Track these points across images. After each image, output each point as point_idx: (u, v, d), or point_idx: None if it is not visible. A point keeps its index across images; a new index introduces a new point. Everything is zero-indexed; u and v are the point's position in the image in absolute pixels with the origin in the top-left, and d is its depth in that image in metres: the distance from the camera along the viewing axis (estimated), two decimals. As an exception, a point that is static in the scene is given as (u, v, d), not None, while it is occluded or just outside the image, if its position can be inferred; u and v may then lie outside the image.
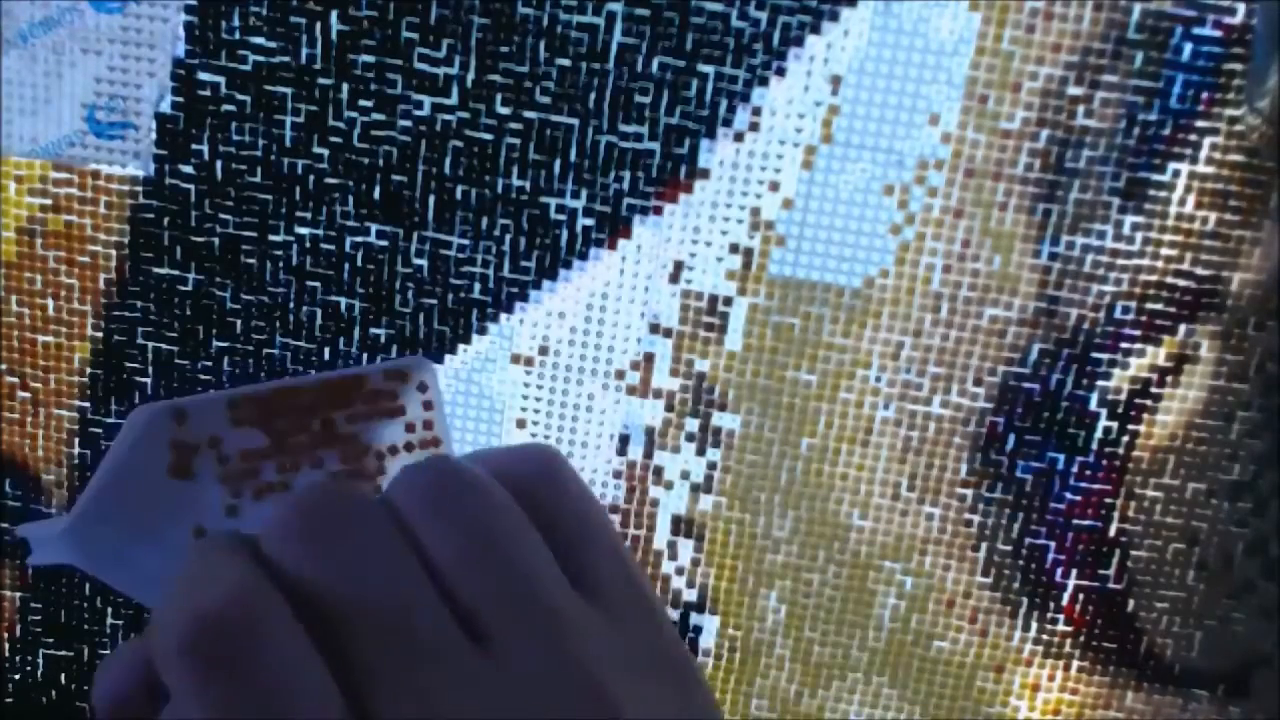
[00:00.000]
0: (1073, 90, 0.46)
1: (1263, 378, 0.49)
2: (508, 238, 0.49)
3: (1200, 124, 0.46)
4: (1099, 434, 0.50)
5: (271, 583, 0.22)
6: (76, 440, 0.53)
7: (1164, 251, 0.48)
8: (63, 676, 0.56)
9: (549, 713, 0.21)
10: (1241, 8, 0.45)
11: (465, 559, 0.22)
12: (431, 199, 0.49)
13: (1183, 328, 0.49)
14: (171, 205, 0.50)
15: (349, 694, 0.21)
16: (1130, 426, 0.50)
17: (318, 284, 0.50)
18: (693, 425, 0.51)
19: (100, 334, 0.51)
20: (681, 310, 0.50)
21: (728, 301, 0.49)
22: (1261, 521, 0.50)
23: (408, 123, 0.48)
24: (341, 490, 0.24)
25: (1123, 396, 0.49)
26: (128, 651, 0.24)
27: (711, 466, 0.51)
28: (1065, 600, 0.52)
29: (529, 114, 0.48)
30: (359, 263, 0.50)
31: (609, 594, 0.24)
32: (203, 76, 0.48)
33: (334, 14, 0.47)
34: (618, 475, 0.52)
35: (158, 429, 0.33)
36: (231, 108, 0.48)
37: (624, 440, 0.51)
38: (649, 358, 0.50)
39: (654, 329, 0.50)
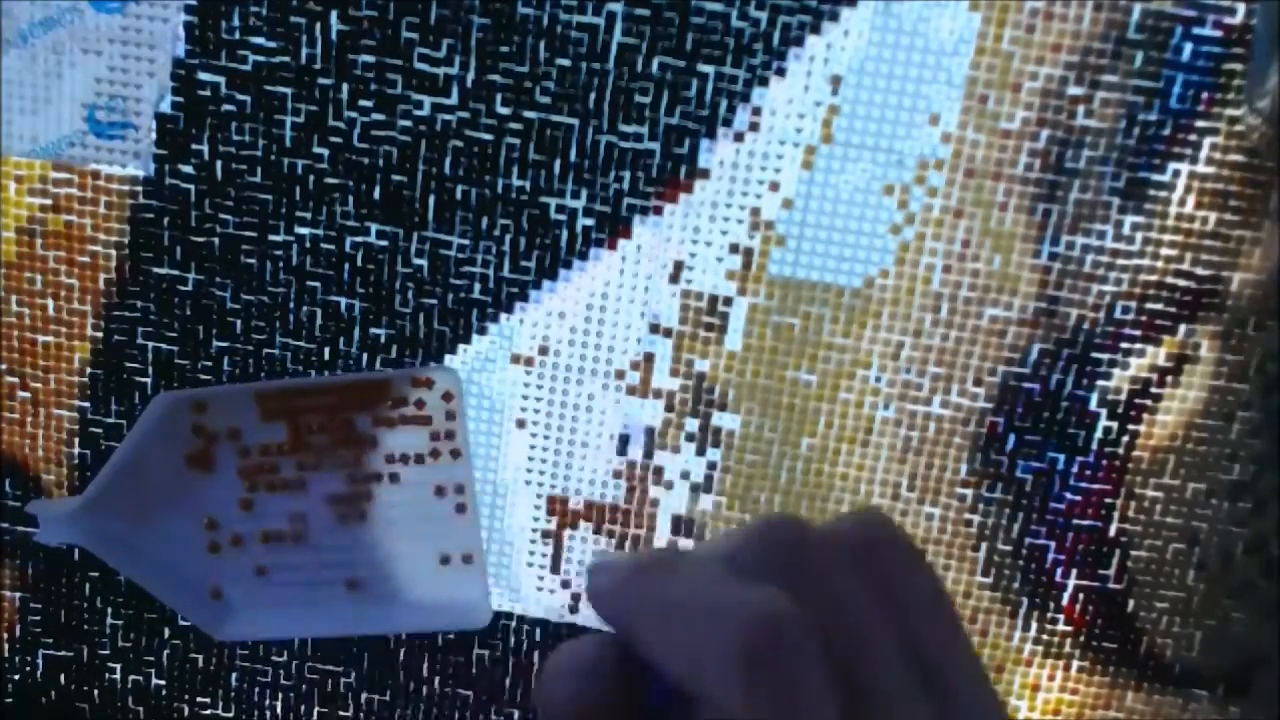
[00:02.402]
0: (1073, 90, 0.46)
1: (1263, 378, 0.49)
2: (508, 238, 0.49)
3: (1200, 124, 0.46)
4: (1099, 434, 0.50)
5: (794, 611, 0.22)
6: (76, 440, 0.53)
7: (1164, 251, 0.48)
8: (63, 676, 0.56)
9: None
10: (1241, 8, 0.45)
11: (919, 612, 0.24)
12: (431, 199, 0.49)
13: (1183, 328, 0.49)
14: (171, 205, 0.50)
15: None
16: (1130, 426, 0.50)
17: (318, 284, 0.50)
18: (693, 425, 0.51)
19: (100, 334, 0.51)
20: (681, 310, 0.50)
21: (728, 301, 0.49)
22: (1261, 521, 0.50)
23: (408, 123, 0.48)
24: (800, 522, 0.25)
25: (1123, 396, 0.49)
26: (592, 648, 0.24)
27: (711, 466, 0.51)
28: (1065, 600, 0.52)
29: (529, 114, 0.48)
30: (359, 263, 0.50)
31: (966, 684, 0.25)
32: (203, 76, 0.48)
33: (334, 14, 0.47)
34: (618, 475, 0.52)
35: (178, 418, 0.33)
36: (231, 108, 0.48)
37: (624, 440, 0.51)
38: (649, 358, 0.50)
39: (654, 329, 0.50)
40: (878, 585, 0.24)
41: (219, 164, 0.49)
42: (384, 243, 0.50)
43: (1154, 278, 0.48)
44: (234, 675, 0.55)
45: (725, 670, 0.21)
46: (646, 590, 0.23)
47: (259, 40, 0.48)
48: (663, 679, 0.22)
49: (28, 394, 0.52)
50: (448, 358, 0.51)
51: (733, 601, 0.22)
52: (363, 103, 0.48)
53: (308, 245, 0.50)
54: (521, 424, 0.51)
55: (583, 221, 0.49)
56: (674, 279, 0.49)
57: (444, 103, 0.48)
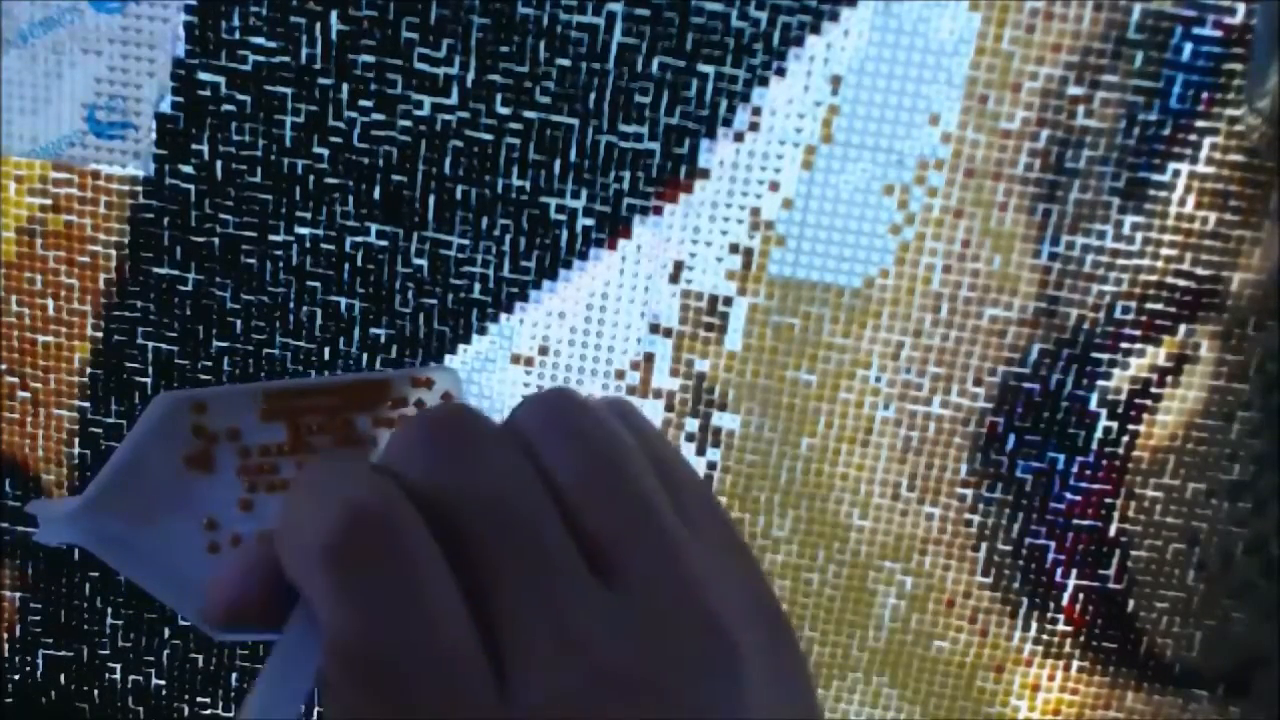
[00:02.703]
0: (1073, 90, 0.46)
1: (1263, 378, 0.49)
2: (508, 238, 0.49)
3: (1200, 124, 0.46)
4: (1099, 434, 0.50)
5: (400, 484, 0.22)
6: (76, 440, 0.53)
7: (1164, 251, 0.48)
8: (63, 676, 0.56)
9: (672, 648, 0.21)
10: (1241, 8, 0.45)
11: (591, 485, 0.22)
12: (431, 199, 0.49)
13: (1183, 328, 0.49)
14: (171, 205, 0.50)
15: (476, 602, 0.21)
16: (1130, 426, 0.50)
17: (318, 284, 0.50)
18: (693, 425, 0.51)
19: (100, 334, 0.51)
20: (681, 310, 0.50)
21: (728, 301, 0.49)
22: (1261, 521, 0.50)
23: (408, 123, 0.48)
24: (467, 409, 0.24)
25: (1123, 396, 0.49)
26: (245, 557, 0.24)
27: (711, 466, 0.51)
28: (1065, 600, 0.52)
29: (529, 114, 0.48)
30: (359, 263, 0.50)
31: (710, 533, 0.23)
32: (203, 76, 0.48)
33: (334, 14, 0.47)
34: (618, 475, 0.52)
35: (178, 417, 0.33)
36: (231, 108, 0.48)
37: (624, 440, 0.51)
38: (649, 358, 0.50)
39: (654, 329, 0.50)
40: (541, 460, 0.23)
41: (219, 164, 0.49)
42: (384, 243, 0.50)
43: (1154, 278, 0.48)
44: (234, 675, 0.55)
45: (315, 573, 0.20)
46: (296, 486, 0.23)
47: (259, 40, 0.48)
48: None
49: (28, 394, 0.52)
50: (448, 358, 0.51)
51: (335, 490, 0.21)
52: (363, 103, 0.48)
53: (308, 245, 0.50)
54: (521, 424, 0.51)
55: (583, 221, 0.49)
56: (674, 279, 0.49)
57: (444, 103, 0.48)
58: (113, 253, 0.50)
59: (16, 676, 0.56)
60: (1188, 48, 0.46)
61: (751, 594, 0.23)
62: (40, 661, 0.55)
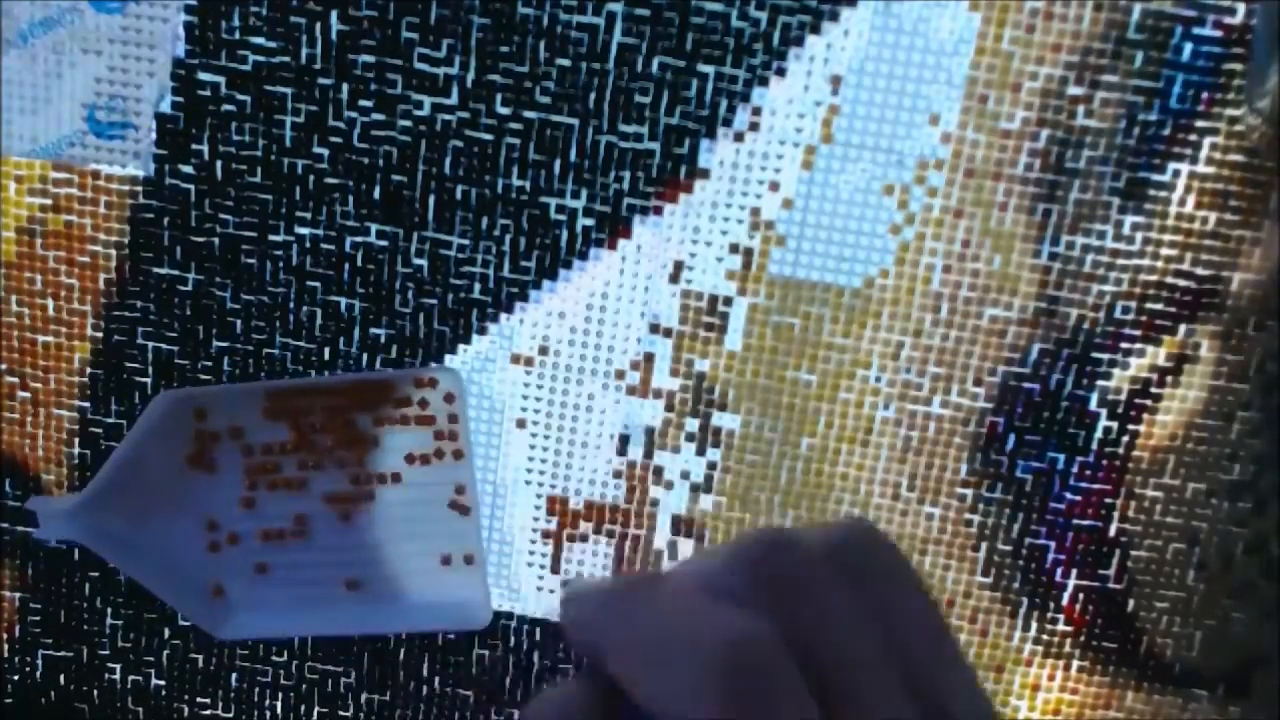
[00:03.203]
0: (1073, 90, 0.46)
1: (1263, 378, 0.49)
2: (508, 238, 0.49)
3: (1200, 124, 0.46)
4: (1099, 434, 0.50)
5: (771, 626, 0.22)
6: (76, 440, 0.53)
7: (1164, 251, 0.48)
8: (63, 677, 0.56)
9: None
10: (1241, 8, 0.45)
11: (912, 631, 0.24)
12: (431, 199, 0.49)
13: (1183, 328, 0.49)
14: (171, 205, 0.50)
15: None
16: (1130, 426, 0.50)
17: (318, 284, 0.50)
18: (693, 425, 0.51)
19: (100, 334, 0.51)
20: (681, 310, 0.50)
21: (728, 301, 0.50)
22: (1261, 521, 0.50)
23: (408, 123, 0.48)
24: (789, 540, 0.24)
25: (1123, 396, 0.49)
26: (578, 691, 0.24)
27: (711, 466, 0.51)
28: (1065, 600, 0.52)
29: (529, 114, 0.48)
30: (359, 263, 0.50)
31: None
32: (203, 76, 0.48)
33: (334, 14, 0.47)
34: (618, 475, 0.52)
35: (179, 416, 0.33)
36: (231, 108, 0.48)
37: (624, 440, 0.51)
38: (649, 358, 0.50)
39: (654, 329, 0.50)
40: (862, 594, 0.23)
41: (219, 164, 0.49)
42: (384, 243, 0.50)
43: (1154, 278, 0.48)
44: (234, 675, 0.55)
45: (698, 699, 0.21)
46: (618, 621, 0.23)
47: (259, 40, 0.48)
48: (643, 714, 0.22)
49: (28, 394, 0.52)
50: (448, 358, 0.51)
51: (704, 627, 0.22)
52: (363, 103, 0.48)
53: (308, 245, 0.50)
54: (521, 424, 0.51)
55: (583, 221, 0.49)
56: (674, 279, 0.49)
57: (444, 103, 0.48)
58: (113, 253, 0.50)
59: (16, 676, 0.56)
60: (1188, 48, 0.46)
61: None
62: (40, 661, 0.55)
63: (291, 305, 0.50)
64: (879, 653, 0.23)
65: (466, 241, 0.49)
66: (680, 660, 0.21)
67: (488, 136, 0.48)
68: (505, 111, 0.48)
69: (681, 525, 0.52)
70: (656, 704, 0.22)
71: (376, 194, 0.49)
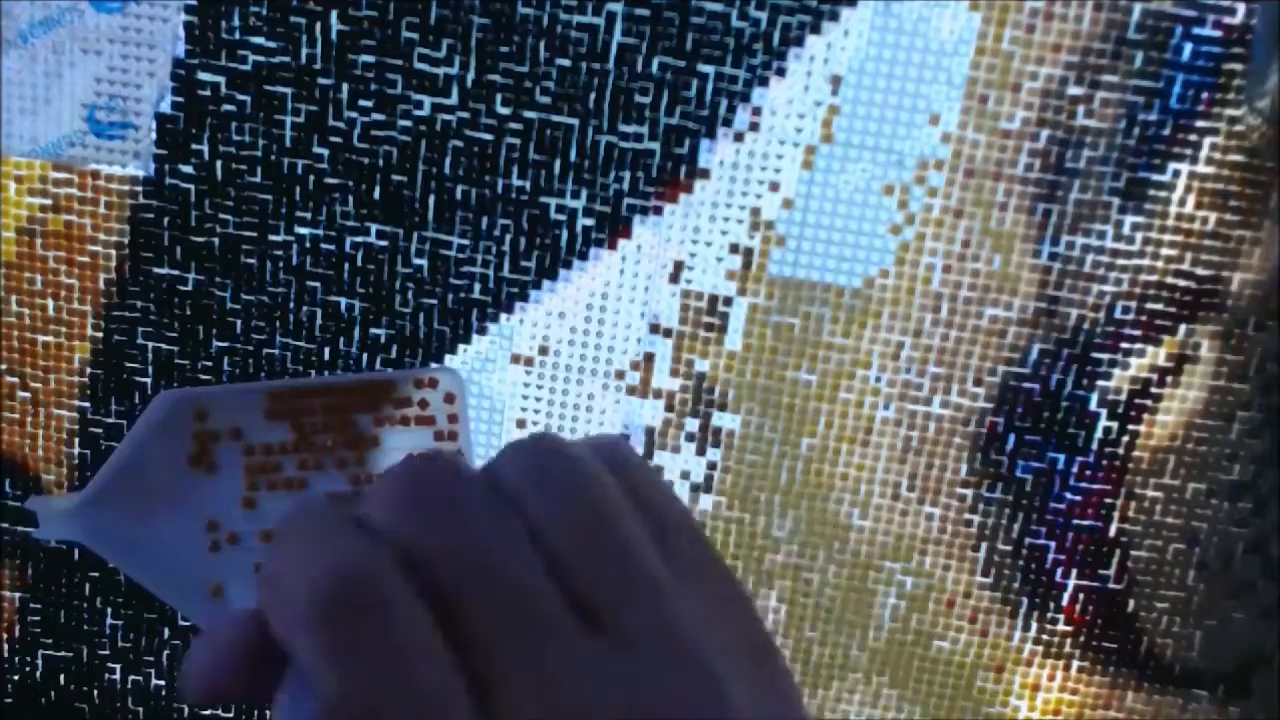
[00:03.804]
0: (1073, 90, 0.46)
1: (1263, 378, 0.49)
2: (508, 238, 0.49)
3: (1200, 124, 0.46)
4: (1099, 434, 0.50)
5: (385, 545, 0.22)
6: (76, 440, 0.53)
7: (1164, 251, 0.48)
8: (63, 676, 0.56)
9: (665, 699, 0.21)
10: (1241, 8, 0.45)
11: (575, 536, 0.22)
12: (431, 199, 0.49)
13: (1183, 328, 0.49)
14: (171, 205, 0.50)
15: (465, 664, 0.21)
16: (1130, 426, 0.50)
17: (318, 284, 0.50)
18: (693, 425, 0.51)
19: (100, 334, 0.51)
20: (681, 310, 0.50)
21: (728, 301, 0.50)
22: (1261, 521, 0.50)
23: (408, 123, 0.48)
24: (446, 462, 0.24)
25: (1123, 396, 0.49)
26: (228, 627, 0.24)
27: (711, 466, 0.51)
28: (1065, 600, 0.52)
29: (529, 114, 0.48)
30: (359, 263, 0.50)
31: (700, 578, 0.24)
32: (203, 76, 0.48)
33: (334, 14, 0.47)
34: (618, 475, 0.52)
35: (180, 416, 0.33)
36: (231, 108, 0.48)
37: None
38: (649, 358, 0.50)
39: (654, 329, 0.50)
40: (523, 510, 0.23)
41: (219, 164, 0.49)
42: (384, 243, 0.50)
43: (1154, 278, 0.48)
44: (234, 675, 0.55)
45: (303, 636, 0.21)
46: (277, 546, 0.23)
47: (259, 40, 0.48)
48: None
49: (28, 394, 0.52)
50: (448, 358, 0.51)
51: (317, 556, 0.22)
52: (363, 103, 0.48)
53: (308, 245, 0.50)
54: (521, 424, 0.51)
55: (583, 221, 0.49)
56: (674, 279, 0.49)
57: (444, 103, 0.48)
58: (113, 253, 0.50)
59: (16, 676, 0.56)
60: (1188, 48, 0.46)
61: (736, 631, 0.23)
62: (40, 661, 0.55)
63: (291, 305, 0.50)
64: (516, 558, 0.22)
65: (466, 241, 0.49)
66: (286, 593, 0.21)
67: (488, 136, 0.48)
68: (505, 111, 0.48)
69: (681, 525, 0.52)
70: (279, 635, 0.21)
71: (376, 194, 0.49)
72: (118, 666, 0.55)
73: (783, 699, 0.23)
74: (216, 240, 0.50)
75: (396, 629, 0.20)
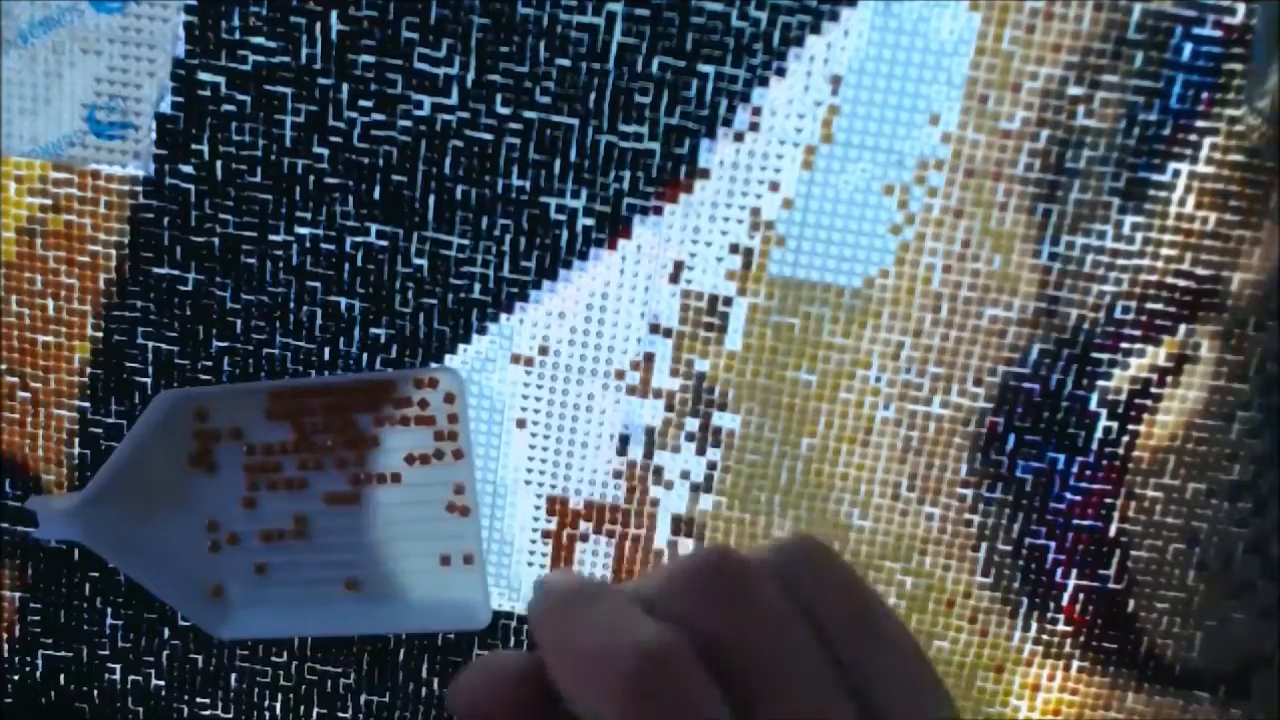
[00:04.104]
0: (1073, 90, 0.46)
1: (1263, 378, 0.49)
2: (508, 238, 0.49)
3: (1200, 124, 0.46)
4: (1099, 434, 0.50)
5: (687, 638, 0.23)
6: (76, 440, 0.53)
7: (1164, 251, 0.48)
8: (63, 676, 0.56)
9: None
10: (1241, 8, 0.45)
11: (860, 637, 0.24)
12: (431, 199, 0.49)
13: (1183, 328, 0.49)
14: (171, 205, 0.50)
15: None
16: (1130, 426, 0.50)
17: (318, 284, 0.50)
18: (693, 425, 0.51)
19: (100, 334, 0.51)
20: (681, 310, 0.50)
21: (728, 301, 0.50)
22: (1261, 521, 0.50)
23: (408, 123, 0.48)
24: (739, 557, 0.26)
25: (1123, 396, 0.49)
26: (513, 659, 0.25)
27: (711, 466, 0.51)
28: (1065, 600, 0.52)
29: (529, 114, 0.48)
30: (359, 263, 0.50)
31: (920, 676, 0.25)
32: (203, 76, 0.48)
33: (334, 14, 0.47)
34: (618, 475, 0.52)
35: (180, 416, 0.33)
36: (231, 108, 0.48)
37: (624, 440, 0.51)
38: (649, 358, 0.50)
39: (654, 329, 0.50)
40: (803, 603, 0.24)
41: (219, 164, 0.49)
42: (384, 243, 0.50)
43: (1154, 278, 0.48)
44: (234, 675, 0.55)
45: (609, 707, 0.22)
46: (564, 620, 0.24)
47: (259, 40, 0.48)
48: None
49: (28, 394, 0.52)
50: (448, 358, 0.51)
51: (623, 637, 0.23)
52: (363, 103, 0.48)
53: (308, 245, 0.50)
54: (521, 424, 0.51)
55: (583, 221, 0.49)
56: (674, 279, 0.49)
57: (444, 103, 0.48)
58: (113, 253, 0.50)
59: (16, 676, 0.56)
60: (1188, 48, 0.46)
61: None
62: (40, 661, 0.55)
63: (291, 305, 0.50)
64: (808, 652, 0.23)
65: (466, 241, 0.49)
66: (598, 667, 0.23)
67: (488, 136, 0.48)
68: (505, 111, 0.48)
69: (681, 525, 0.52)
70: (581, 708, 0.23)
71: (376, 194, 0.49)
72: (118, 666, 0.55)
73: None
74: (216, 240, 0.50)
75: (694, 706, 0.22)
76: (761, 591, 0.24)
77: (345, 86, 0.48)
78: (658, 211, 0.49)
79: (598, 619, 0.24)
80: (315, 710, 0.55)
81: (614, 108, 0.48)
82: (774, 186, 0.48)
